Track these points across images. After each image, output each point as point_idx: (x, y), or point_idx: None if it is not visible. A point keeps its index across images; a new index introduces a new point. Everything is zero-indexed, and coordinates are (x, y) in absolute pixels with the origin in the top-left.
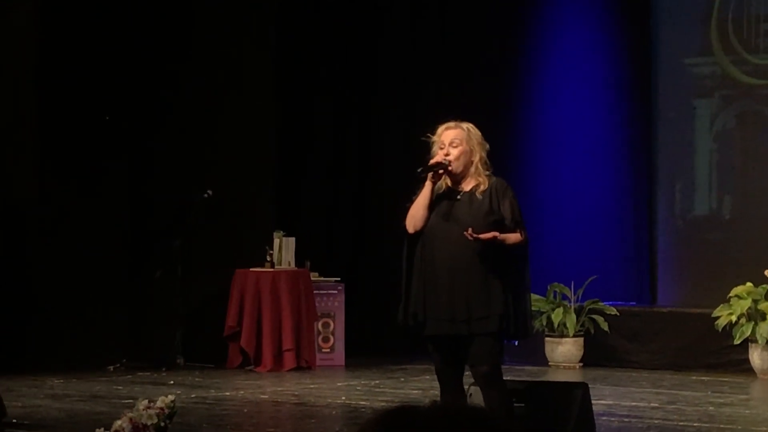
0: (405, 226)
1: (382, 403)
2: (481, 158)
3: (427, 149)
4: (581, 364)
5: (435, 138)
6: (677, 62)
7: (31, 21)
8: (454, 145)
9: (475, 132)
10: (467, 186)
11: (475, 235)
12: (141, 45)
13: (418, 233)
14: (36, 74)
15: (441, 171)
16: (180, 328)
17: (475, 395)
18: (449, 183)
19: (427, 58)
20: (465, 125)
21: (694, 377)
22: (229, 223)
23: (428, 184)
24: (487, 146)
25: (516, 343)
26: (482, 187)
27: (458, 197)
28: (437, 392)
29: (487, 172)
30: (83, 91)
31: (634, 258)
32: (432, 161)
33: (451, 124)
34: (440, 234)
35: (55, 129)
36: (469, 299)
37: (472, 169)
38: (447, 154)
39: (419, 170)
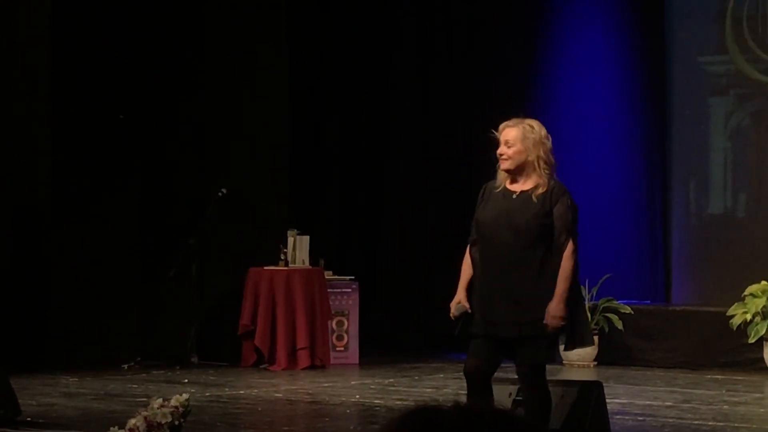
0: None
1: (396, 402)
2: (538, 158)
3: (441, 144)
4: (595, 363)
5: (497, 133)
6: (692, 60)
7: (45, 21)
8: (509, 145)
9: (534, 130)
10: (525, 186)
11: (549, 325)
12: (156, 45)
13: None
14: (50, 74)
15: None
16: (194, 326)
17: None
18: (508, 181)
19: (441, 57)
20: (524, 124)
21: (709, 376)
22: (244, 221)
23: None
24: (548, 144)
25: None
26: (540, 190)
27: (513, 196)
28: (450, 391)
29: (548, 171)
30: (98, 90)
31: (648, 256)
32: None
33: (511, 122)
34: (493, 233)
35: (70, 129)
36: (520, 301)
37: (529, 169)
38: (502, 153)
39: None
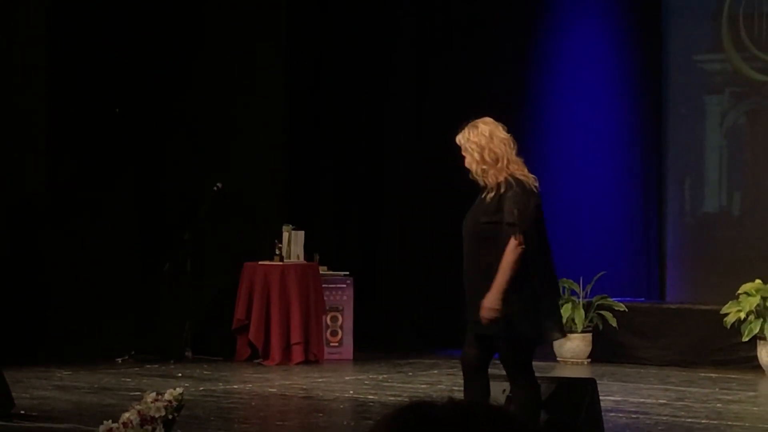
0: None
1: (390, 398)
2: (482, 159)
3: (438, 143)
4: (589, 360)
5: None
6: (688, 59)
7: (42, 18)
8: (463, 155)
9: (476, 132)
10: (487, 185)
11: (483, 317)
12: (152, 40)
13: None
14: (47, 69)
15: None
16: (189, 320)
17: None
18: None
19: (440, 57)
20: (465, 130)
21: (702, 374)
22: (239, 216)
23: None
24: (496, 142)
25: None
26: (494, 191)
27: (481, 196)
28: (445, 387)
29: (499, 165)
30: (95, 88)
31: (643, 254)
32: None
33: (460, 130)
34: (464, 232)
35: (66, 124)
36: (476, 299)
37: (481, 170)
38: None
39: None
